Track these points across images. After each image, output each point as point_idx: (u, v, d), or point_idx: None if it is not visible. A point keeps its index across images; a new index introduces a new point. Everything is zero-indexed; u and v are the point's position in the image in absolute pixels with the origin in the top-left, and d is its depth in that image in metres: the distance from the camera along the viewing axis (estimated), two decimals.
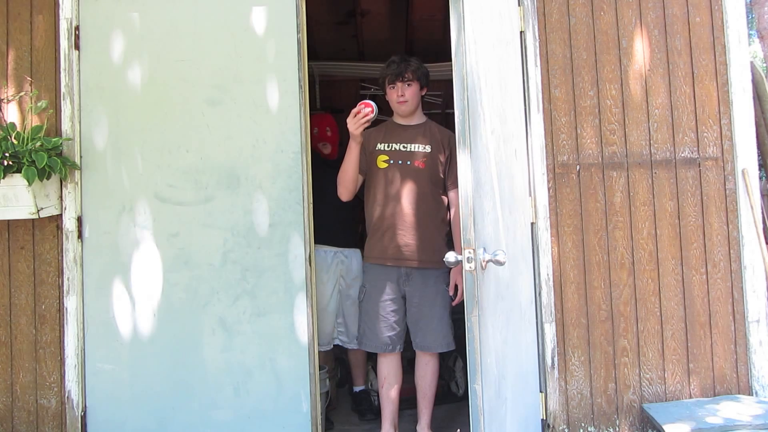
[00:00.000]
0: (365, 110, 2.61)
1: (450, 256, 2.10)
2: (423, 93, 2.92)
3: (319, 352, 2.91)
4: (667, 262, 2.74)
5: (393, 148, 2.85)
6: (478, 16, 2.16)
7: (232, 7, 2.74)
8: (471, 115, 2.03)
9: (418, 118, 2.93)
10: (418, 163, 2.83)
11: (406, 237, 2.79)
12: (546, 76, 2.74)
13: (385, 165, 2.84)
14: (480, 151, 2.09)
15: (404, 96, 2.84)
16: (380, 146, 2.87)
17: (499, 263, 2.01)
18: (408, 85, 2.85)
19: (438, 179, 2.86)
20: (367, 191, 2.92)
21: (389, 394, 2.86)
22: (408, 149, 2.85)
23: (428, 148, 2.84)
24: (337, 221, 3.22)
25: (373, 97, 3.49)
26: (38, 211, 2.50)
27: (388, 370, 2.87)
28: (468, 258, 2.00)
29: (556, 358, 2.67)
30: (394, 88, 2.86)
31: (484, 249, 2.02)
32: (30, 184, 2.41)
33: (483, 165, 2.10)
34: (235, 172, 2.70)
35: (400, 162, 2.83)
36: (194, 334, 2.68)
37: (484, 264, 2.01)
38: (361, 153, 2.84)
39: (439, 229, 2.87)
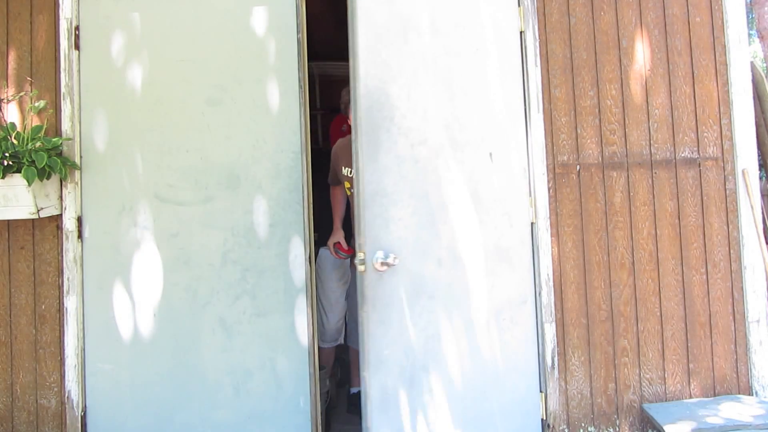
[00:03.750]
0: (341, 254, 3.15)
1: (359, 256, 2.25)
2: None
3: (320, 350, 2.91)
4: (667, 262, 2.74)
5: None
6: (386, 38, 2.34)
7: (232, 7, 2.74)
8: (373, 131, 2.27)
9: None
10: None
11: None
12: (546, 76, 2.74)
13: (350, 193, 3.03)
14: (387, 162, 2.29)
15: None
16: (345, 171, 3.06)
17: (389, 265, 2.23)
18: None
19: None
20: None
21: None
22: None
23: None
24: (346, 222, 3.23)
25: None
26: (38, 211, 2.50)
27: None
28: (360, 260, 2.24)
29: (556, 358, 2.67)
30: None
31: (385, 252, 2.24)
32: (30, 184, 2.41)
33: (392, 177, 2.30)
34: (235, 172, 2.70)
35: None
36: (194, 334, 2.68)
37: (378, 265, 2.22)
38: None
39: None
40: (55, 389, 2.68)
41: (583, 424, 2.70)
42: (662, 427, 2.45)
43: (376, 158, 2.26)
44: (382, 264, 2.22)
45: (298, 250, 2.68)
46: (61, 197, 2.67)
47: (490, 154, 2.52)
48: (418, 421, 2.36)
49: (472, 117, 2.49)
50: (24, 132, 2.54)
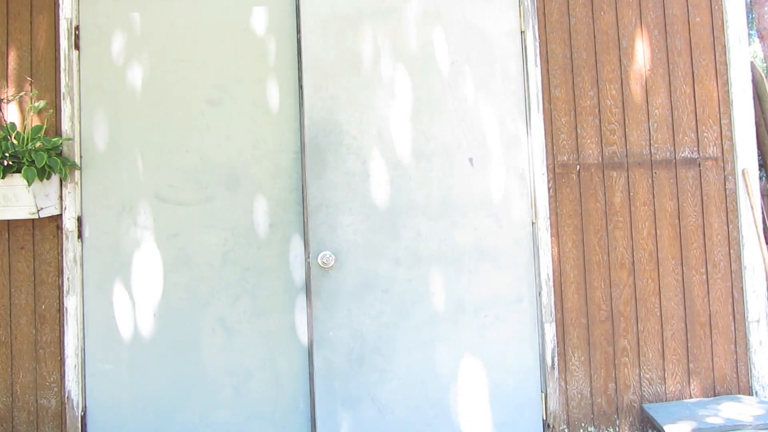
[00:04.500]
0: None
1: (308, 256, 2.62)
2: None
3: None
4: (667, 262, 2.74)
5: None
6: (335, 74, 2.66)
7: (232, 7, 2.74)
8: (318, 154, 2.64)
9: None
10: None
11: None
12: (546, 76, 2.74)
13: None
14: (334, 178, 2.64)
15: None
16: None
17: (326, 265, 2.60)
18: None
19: None
20: None
21: None
22: None
23: None
24: None
25: None
26: (38, 211, 2.50)
27: None
28: (309, 261, 2.63)
29: (556, 358, 2.67)
30: None
31: (329, 253, 2.61)
32: (30, 184, 2.41)
33: (340, 190, 2.65)
34: (235, 172, 2.70)
35: None
36: (194, 334, 2.68)
37: (321, 263, 2.61)
38: None
39: None
40: (55, 389, 2.68)
41: (583, 424, 2.70)
42: (662, 427, 2.45)
43: (322, 176, 2.64)
44: (323, 262, 2.60)
45: (298, 250, 2.68)
46: (61, 197, 2.67)
47: (470, 160, 2.67)
48: (366, 392, 2.64)
49: (444, 128, 2.68)
50: (24, 132, 2.54)
